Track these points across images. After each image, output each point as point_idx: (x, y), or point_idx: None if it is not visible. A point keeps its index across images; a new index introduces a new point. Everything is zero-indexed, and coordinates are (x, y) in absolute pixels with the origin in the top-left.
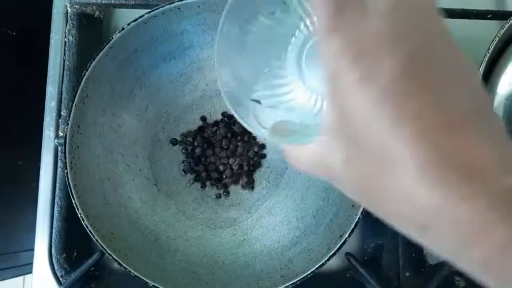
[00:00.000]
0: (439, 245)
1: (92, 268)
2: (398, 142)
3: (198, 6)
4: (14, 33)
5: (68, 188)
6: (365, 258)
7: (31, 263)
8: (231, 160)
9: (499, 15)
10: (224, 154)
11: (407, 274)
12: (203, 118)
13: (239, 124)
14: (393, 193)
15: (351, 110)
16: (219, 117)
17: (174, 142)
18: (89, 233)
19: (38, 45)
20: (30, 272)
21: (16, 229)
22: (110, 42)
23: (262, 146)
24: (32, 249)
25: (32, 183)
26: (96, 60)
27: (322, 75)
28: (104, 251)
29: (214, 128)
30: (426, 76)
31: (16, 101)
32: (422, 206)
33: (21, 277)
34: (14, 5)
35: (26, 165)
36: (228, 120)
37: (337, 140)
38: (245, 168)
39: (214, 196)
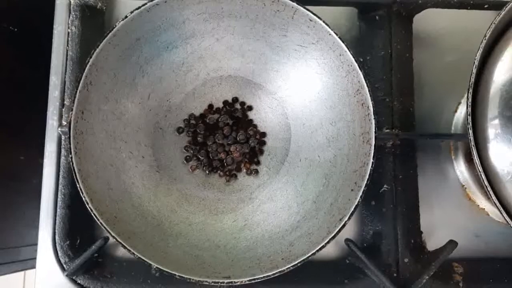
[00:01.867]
0: None
1: (96, 255)
2: None
3: None
4: (16, 29)
5: (73, 172)
6: (365, 244)
7: (32, 258)
8: (232, 148)
9: (496, 5)
10: (225, 141)
11: (406, 260)
12: (210, 106)
13: (241, 112)
14: None
15: None
16: (221, 105)
17: (180, 130)
18: (94, 216)
19: (40, 40)
20: (31, 267)
21: (18, 225)
22: (114, 30)
23: (263, 134)
24: (33, 244)
25: (34, 179)
26: (99, 47)
27: None
28: (108, 234)
29: (216, 116)
30: None
31: (18, 96)
32: None
33: (22, 272)
34: (16, 1)
35: (28, 161)
36: (230, 108)
37: None
38: (246, 155)
39: (216, 183)
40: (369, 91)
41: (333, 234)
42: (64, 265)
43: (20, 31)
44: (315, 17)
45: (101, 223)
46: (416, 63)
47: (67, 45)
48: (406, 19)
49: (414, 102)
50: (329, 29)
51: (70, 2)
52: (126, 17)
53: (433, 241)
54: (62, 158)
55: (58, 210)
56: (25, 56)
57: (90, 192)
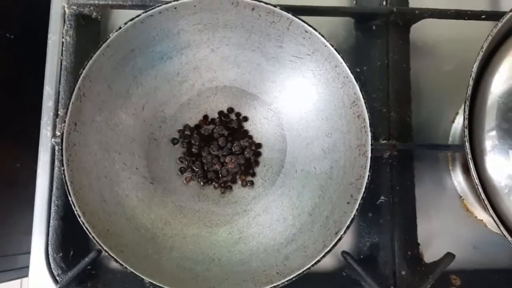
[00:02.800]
0: None
1: (89, 267)
2: None
3: (195, 6)
4: (12, 36)
5: (65, 185)
6: (361, 256)
7: (29, 266)
8: (227, 159)
9: (493, 15)
10: (220, 152)
11: (403, 272)
12: (205, 117)
13: (236, 122)
14: None
15: None
16: (216, 116)
17: (175, 142)
18: (86, 230)
19: (36, 47)
20: (28, 275)
21: (14, 232)
22: (107, 41)
23: (259, 145)
24: (30, 252)
25: (30, 186)
26: (93, 58)
27: None
28: (100, 247)
29: (211, 127)
30: None
31: (14, 103)
32: None
33: (19, 280)
34: (12, 8)
35: (24, 168)
36: (225, 119)
37: None
38: (242, 167)
39: (211, 195)
40: (365, 103)
41: (328, 248)
42: (57, 278)
43: (17, 38)
44: (310, 28)
45: (93, 236)
46: (413, 73)
47: (62, 55)
48: (403, 29)
49: (412, 112)
50: (324, 41)
51: (65, 11)
52: (120, 28)
53: (431, 253)
54: (56, 169)
55: (51, 221)
56: (22, 63)
57: (82, 205)
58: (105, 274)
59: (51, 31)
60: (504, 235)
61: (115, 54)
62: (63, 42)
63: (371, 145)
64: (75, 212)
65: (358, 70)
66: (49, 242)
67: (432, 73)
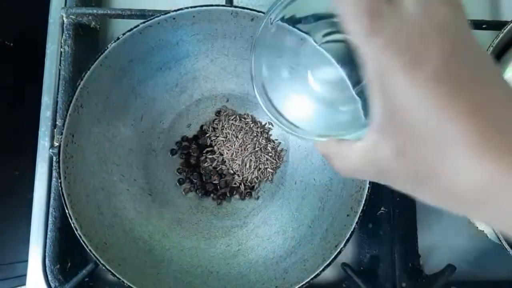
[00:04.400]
0: (498, 219)
1: (86, 279)
2: (450, 120)
3: (193, 16)
4: (12, 44)
5: (62, 197)
6: (362, 268)
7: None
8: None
9: (494, 25)
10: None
11: (404, 284)
12: (202, 127)
13: None
14: (447, 172)
15: (399, 99)
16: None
17: (173, 152)
18: (82, 243)
19: (35, 56)
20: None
21: (12, 240)
22: (105, 52)
23: None
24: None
25: (29, 194)
26: (90, 70)
27: (364, 76)
28: (97, 261)
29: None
30: (469, 61)
31: (13, 111)
32: (475, 180)
33: None
34: (11, 15)
35: (22, 175)
36: None
37: (387, 134)
38: None
39: (209, 206)
40: None
41: (328, 262)
42: None
43: (16, 46)
44: None
45: (90, 250)
46: None
47: (60, 65)
48: None
49: None
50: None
51: (63, 21)
52: (118, 39)
53: (431, 264)
54: (53, 179)
55: (48, 233)
56: (21, 71)
57: (79, 217)
58: (102, 286)
59: (49, 40)
60: (505, 247)
61: (113, 65)
62: (61, 52)
63: None
64: (72, 225)
65: None
66: (47, 254)
67: None
